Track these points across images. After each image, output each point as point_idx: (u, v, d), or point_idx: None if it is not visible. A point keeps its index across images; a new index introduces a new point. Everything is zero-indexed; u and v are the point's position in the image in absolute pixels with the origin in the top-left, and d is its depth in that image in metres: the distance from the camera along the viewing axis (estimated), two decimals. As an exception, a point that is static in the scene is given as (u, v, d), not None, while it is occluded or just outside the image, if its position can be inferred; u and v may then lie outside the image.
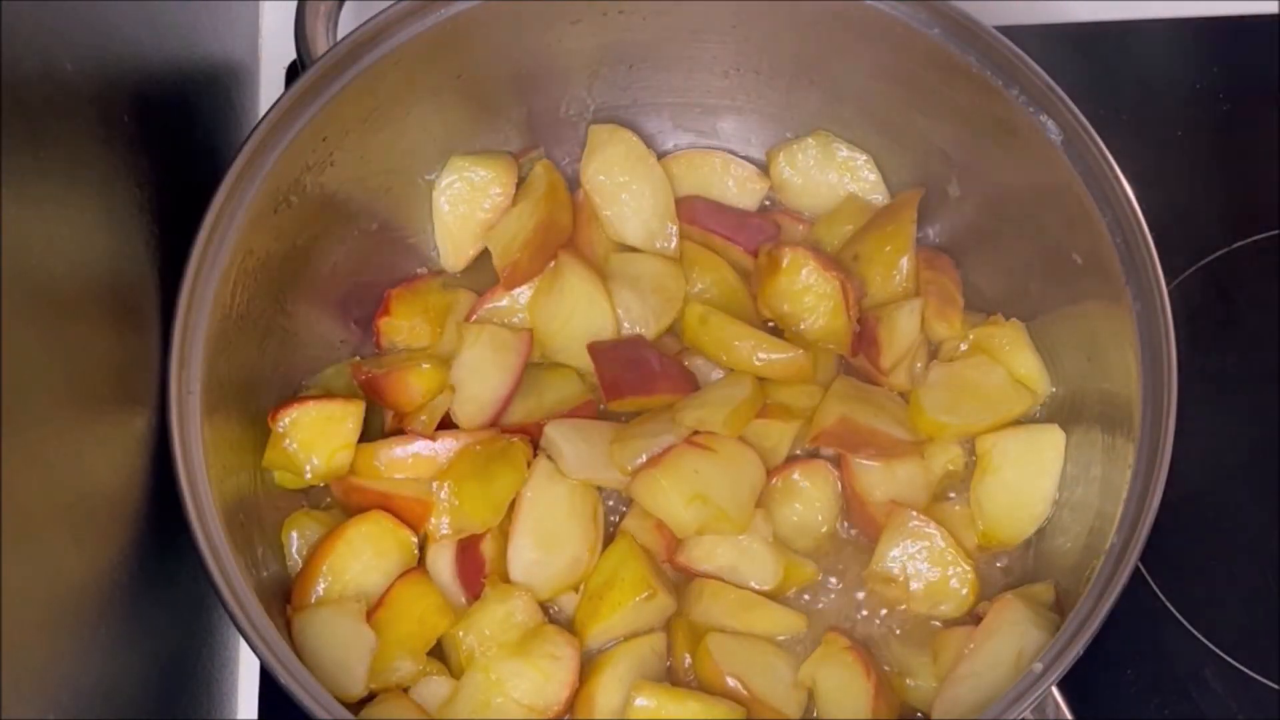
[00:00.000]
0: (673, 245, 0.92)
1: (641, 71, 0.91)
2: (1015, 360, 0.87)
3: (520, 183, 0.91)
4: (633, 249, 0.92)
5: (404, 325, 0.89)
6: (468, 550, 0.82)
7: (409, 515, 0.83)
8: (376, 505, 0.83)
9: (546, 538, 0.82)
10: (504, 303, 0.90)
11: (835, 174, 0.93)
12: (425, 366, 0.86)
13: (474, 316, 0.90)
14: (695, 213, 0.93)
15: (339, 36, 0.81)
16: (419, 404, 0.86)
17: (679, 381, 0.87)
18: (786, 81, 0.91)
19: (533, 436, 0.85)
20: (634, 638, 0.81)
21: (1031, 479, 0.84)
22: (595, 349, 0.88)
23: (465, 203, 0.91)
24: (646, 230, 0.92)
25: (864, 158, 0.92)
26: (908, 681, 0.81)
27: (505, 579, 0.82)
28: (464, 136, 0.90)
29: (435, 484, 0.82)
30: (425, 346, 0.90)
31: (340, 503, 0.85)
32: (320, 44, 0.82)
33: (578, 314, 0.88)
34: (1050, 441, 0.84)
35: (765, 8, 0.86)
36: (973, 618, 0.81)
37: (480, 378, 0.86)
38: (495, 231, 0.90)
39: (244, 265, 0.79)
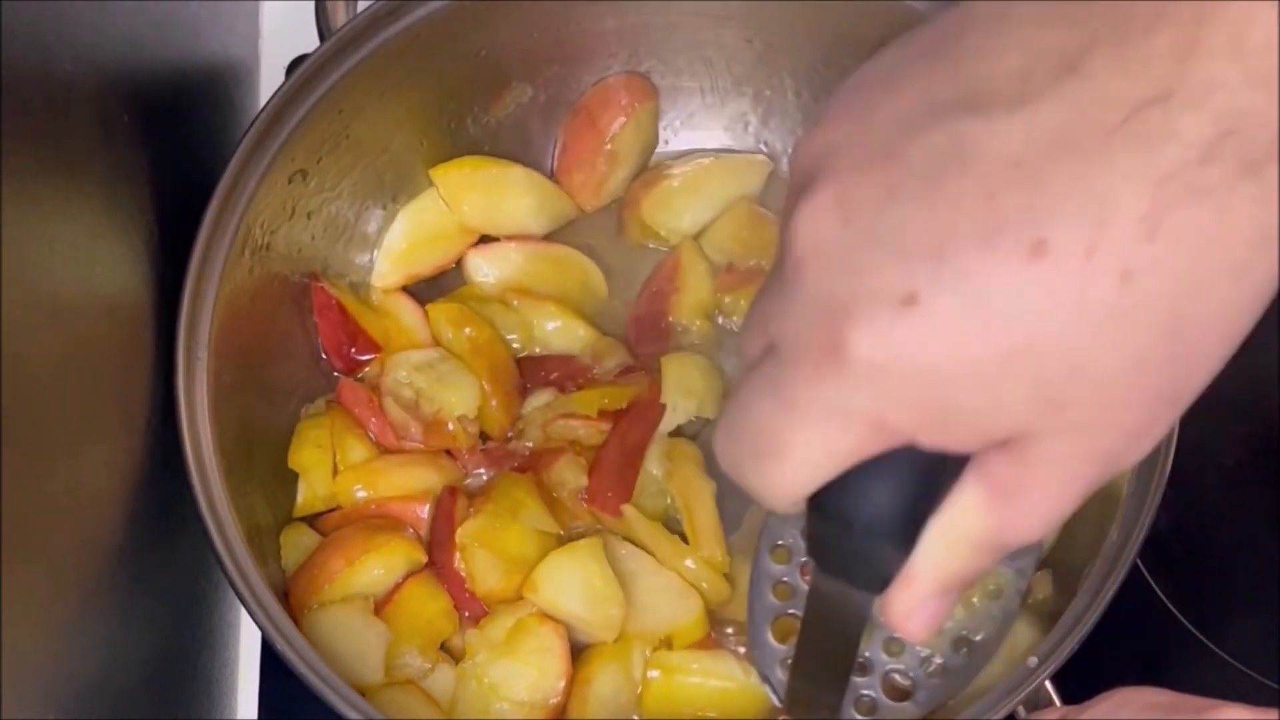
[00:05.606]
0: None
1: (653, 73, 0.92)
2: None
3: None
4: None
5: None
6: (444, 570, 0.81)
7: (408, 517, 0.83)
8: (378, 512, 0.83)
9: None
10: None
11: None
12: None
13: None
14: None
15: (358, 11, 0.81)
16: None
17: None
18: (805, 78, 0.91)
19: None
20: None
21: None
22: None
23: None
24: None
25: None
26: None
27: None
28: (475, 115, 0.90)
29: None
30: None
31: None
32: (340, 19, 0.82)
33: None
34: None
35: (783, 6, 0.87)
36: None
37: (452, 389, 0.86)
38: None
39: (254, 243, 0.78)
